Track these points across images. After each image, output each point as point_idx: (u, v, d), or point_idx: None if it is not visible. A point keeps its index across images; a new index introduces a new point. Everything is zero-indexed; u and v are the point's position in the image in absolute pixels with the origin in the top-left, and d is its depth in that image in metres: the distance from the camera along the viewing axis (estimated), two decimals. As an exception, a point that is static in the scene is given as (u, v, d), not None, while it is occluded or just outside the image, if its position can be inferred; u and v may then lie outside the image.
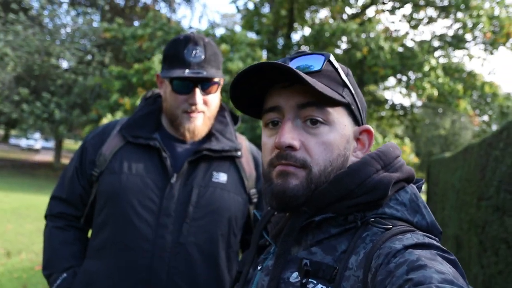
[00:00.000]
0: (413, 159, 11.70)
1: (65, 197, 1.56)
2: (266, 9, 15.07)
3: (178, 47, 1.50)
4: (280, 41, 15.00)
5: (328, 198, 0.76)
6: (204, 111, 1.53)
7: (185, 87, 1.48)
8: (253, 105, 0.89)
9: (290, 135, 0.78)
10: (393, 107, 16.90)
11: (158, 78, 1.58)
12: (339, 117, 0.81)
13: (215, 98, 1.57)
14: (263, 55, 13.60)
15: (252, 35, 14.13)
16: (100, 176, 1.50)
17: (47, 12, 13.57)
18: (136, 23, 17.41)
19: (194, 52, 1.48)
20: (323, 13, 16.34)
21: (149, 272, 1.36)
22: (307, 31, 15.18)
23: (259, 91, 0.86)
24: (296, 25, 15.03)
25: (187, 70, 1.46)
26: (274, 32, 14.77)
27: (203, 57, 1.49)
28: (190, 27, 16.60)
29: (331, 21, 14.94)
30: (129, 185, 1.43)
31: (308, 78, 0.74)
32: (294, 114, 0.80)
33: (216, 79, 1.53)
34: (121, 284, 1.37)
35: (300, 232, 0.79)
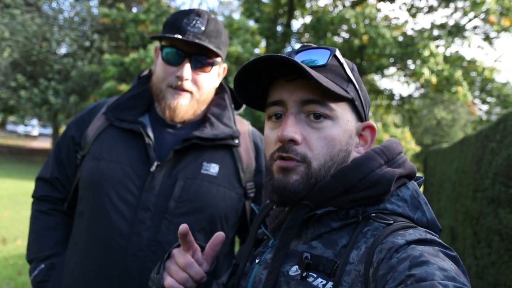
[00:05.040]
0: (413, 145, 11.66)
1: (48, 177, 1.45)
2: (266, -4, 14.92)
3: (180, 16, 1.35)
4: (280, 29, 14.89)
5: (331, 191, 0.77)
6: (193, 91, 1.36)
7: (175, 57, 1.33)
8: (257, 97, 0.90)
9: (292, 128, 0.79)
10: (391, 96, 16.86)
11: (156, 51, 1.44)
12: (343, 112, 0.82)
13: (208, 80, 1.39)
14: (262, 43, 13.51)
15: (251, 23, 14.01)
16: (83, 160, 1.38)
17: (45, -3, 13.39)
18: (134, 10, 17.26)
19: (194, 21, 1.33)
20: (323, 1, 16.22)
21: (121, 270, 1.24)
22: (308, 19, 15.05)
23: (263, 83, 0.87)
24: (297, 13, 14.89)
25: (179, 36, 1.30)
26: (274, 20, 14.65)
27: (202, 28, 1.33)
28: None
29: (331, 8, 14.81)
30: (108, 173, 1.30)
31: (313, 73, 0.75)
32: (297, 108, 0.81)
33: (213, 58, 1.37)
34: (94, 282, 1.27)
35: (301, 225, 0.79)
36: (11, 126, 40.80)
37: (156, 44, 1.43)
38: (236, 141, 1.41)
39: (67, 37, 13.73)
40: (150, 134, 1.34)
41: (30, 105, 14.23)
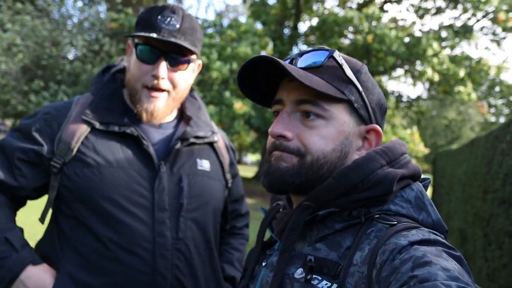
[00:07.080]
0: (421, 147, 11.56)
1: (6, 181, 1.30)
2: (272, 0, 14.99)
3: (154, 12, 1.31)
4: (287, 32, 14.93)
5: (333, 192, 0.77)
6: (169, 90, 1.35)
7: (150, 54, 1.30)
8: (269, 96, 0.92)
9: (282, 125, 0.82)
10: (399, 98, 16.78)
11: (129, 48, 1.39)
12: (338, 113, 0.82)
13: (184, 78, 1.38)
14: (270, 45, 13.56)
15: (258, 25, 14.07)
16: (65, 168, 1.26)
17: (54, 3, 13.59)
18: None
19: (168, 19, 1.30)
20: (330, 3, 16.24)
21: (153, 273, 1.23)
22: (314, 21, 15.07)
23: (273, 83, 0.89)
24: (304, 15, 14.93)
25: (154, 34, 1.27)
26: (280, 22, 14.69)
27: (177, 26, 1.30)
28: (197, 18, 16.63)
29: (337, 10, 14.81)
30: (113, 179, 1.25)
31: (295, 72, 0.76)
32: (292, 107, 0.83)
33: (189, 55, 1.35)
34: None
35: (305, 227, 0.80)
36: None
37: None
38: (216, 138, 1.50)
39: (77, 41, 13.91)
40: (144, 135, 1.33)
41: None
